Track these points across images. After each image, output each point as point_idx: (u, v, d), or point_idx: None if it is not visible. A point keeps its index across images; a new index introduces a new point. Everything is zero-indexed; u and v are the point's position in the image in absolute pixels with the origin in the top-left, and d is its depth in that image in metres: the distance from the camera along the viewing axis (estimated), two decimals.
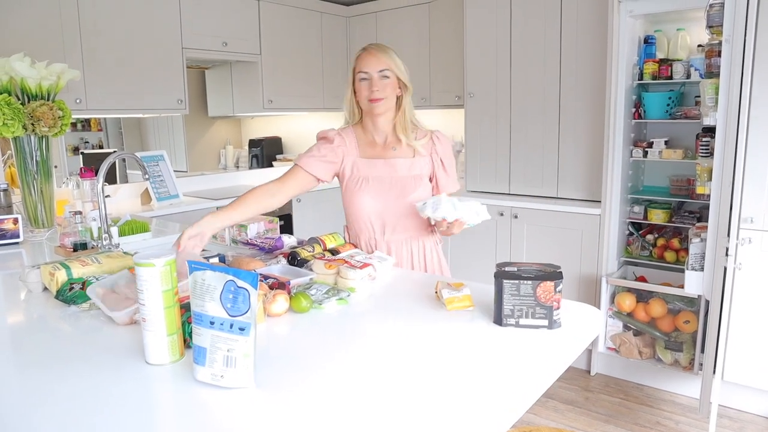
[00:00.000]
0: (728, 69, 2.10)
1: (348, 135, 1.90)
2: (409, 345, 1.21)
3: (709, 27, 2.22)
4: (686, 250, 2.83)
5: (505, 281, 1.28)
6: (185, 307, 1.17)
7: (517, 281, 1.28)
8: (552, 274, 1.30)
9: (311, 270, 1.63)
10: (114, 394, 1.00)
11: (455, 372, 1.07)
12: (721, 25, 2.12)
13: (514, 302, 1.28)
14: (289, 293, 1.41)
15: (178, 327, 1.11)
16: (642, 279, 2.99)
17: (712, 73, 2.23)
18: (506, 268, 1.35)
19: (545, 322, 1.28)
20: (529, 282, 1.27)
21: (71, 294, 1.41)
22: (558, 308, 1.28)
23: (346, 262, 1.61)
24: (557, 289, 1.27)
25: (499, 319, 1.30)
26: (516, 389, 1.02)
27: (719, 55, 2.13)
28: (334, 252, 1.80)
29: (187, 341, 1.16)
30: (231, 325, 0.99)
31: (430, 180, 1.90)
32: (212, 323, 1.00)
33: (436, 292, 1.48)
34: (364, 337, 1.26)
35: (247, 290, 0.98)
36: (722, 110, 2.15)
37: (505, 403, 0.98)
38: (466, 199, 1.73)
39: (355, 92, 1.84)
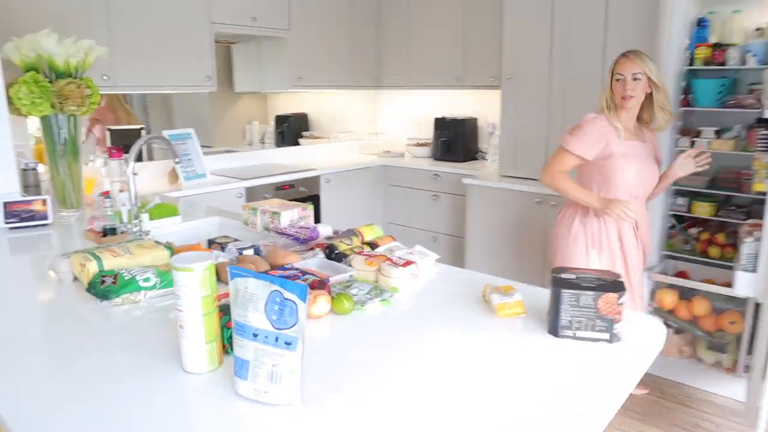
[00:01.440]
0: None
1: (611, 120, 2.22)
2: (460, 356, 1.13)
3: None
4: (732, 245, 2.69)
5: (563, 291, 1.19)
6: (223, 310, 1.11)
7: (577, 291, 1.19)
8: (614, 284, 1.21)
9: (350, 265, 1.55)
10: (148, 403, 0.94)
11: (511, 389, 1.00)
12: None
13: (572, 313, 1.19)
14: (329, 292, 1.34)
15: (217, 334, 1.05)
16: (683, 274, 2.86)
17: None
18: (563, 275, 1.26)
19: (606, 336, 1.19)
20: (591, 293, 1.18)
21: (103, 288, 1.35)
22: (619, 321, 1.19)
23: (388, 258, 1.53)
24: (620, 301, 1.18)
25: (555, 330, 1.21)
26: (582, 412, 0.93)
27: None
28: (372, 245, 1.72)
29: (225, 347, 1.09)
30: (276, 339, 0.92)
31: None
32: (256, 335, 0.93)
33: (484, 296, 1.40)
34: (412, 345, 1.18)
35: (294, 303, 0.90)
36: None
37: (575, 425, 0.90)
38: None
39: (612, 89, 2.21)
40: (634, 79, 2.15)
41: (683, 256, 2.88)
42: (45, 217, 2.17)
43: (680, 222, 2.97)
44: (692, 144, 2.75)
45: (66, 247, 1.95)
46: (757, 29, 2.61)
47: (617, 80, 2.19)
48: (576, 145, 2.19)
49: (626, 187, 2.21)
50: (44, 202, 2.17)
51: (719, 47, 2.62)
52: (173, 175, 3.33)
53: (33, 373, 1.06)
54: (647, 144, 2.28)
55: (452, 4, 3.97)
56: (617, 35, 2.92)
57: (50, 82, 2.25)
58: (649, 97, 2.22)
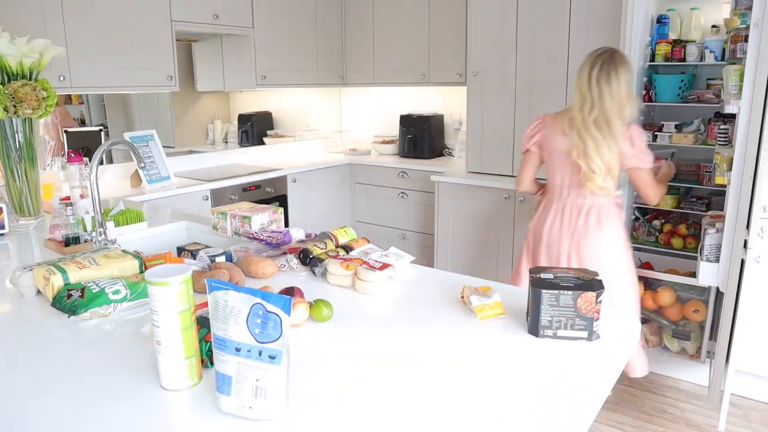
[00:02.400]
0: (756, 55, 2.01)
1: None
2: (443, 358, 1.12)
3: (736, 9, 2.12)
4: (694, 236, 2.78)
5: (543, 291, 1.20)
6: (201, 323, 1.08)
7: (556, 291, 1.19)
8: (592, 283, 1.23)
9: (327, 270, 1.53)
10: (127, 422, 0.91)
11: (495, 390, 1.00)
12: (750, 8, 2.01)
13: (552, 313, 1.20)
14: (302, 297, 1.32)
15: (196, 349, 1.01)
16: (647, 265, 2.93)
17: (735, 58, 2.14)
18: (542, 275, 1.26)
19: (584, 334, 1.20)
20: (570, 293, 1.19)
21: (70, 303, 1.30)
22: (598, 319, 1.20)
23: (365, 262, 1.51)
24: (598, 300, 1.20)
25: (535, 330, 1.22)
26: (566, 409, 0.94)
27: (746, 40, 2.03)
28: (347, 248, 1.70)
29: (204, 362, 1.06)
30: (260, 353, 0.90)
31: None
32: (238, 350, 0.91)
33: (462, 297, 1.40)
34: (394, 350, 1.17)
35: (278, 316, 0.88)
36: (747, 98, 2.06)
37: (560, 423, 0.90)
38: None
39: None
40: None
41: (647, 247, 2.95)
42: (2, 226, 2.07)
43: (644, 214, 3.05)
44: (654, 138, 2.82)
45: (25, 257, 1.87)
46: (714, 26, 2.69)
47: None
48: None
49: None
50: (0, 210, 2.07)
51: (679, 43, 2.70)
52: (136, 178, 3.23)
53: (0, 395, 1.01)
54: None
55: (417, 1, 3.97)
56: (581, 31, 2.97)
57: (2, 84, 2.15)
58: None
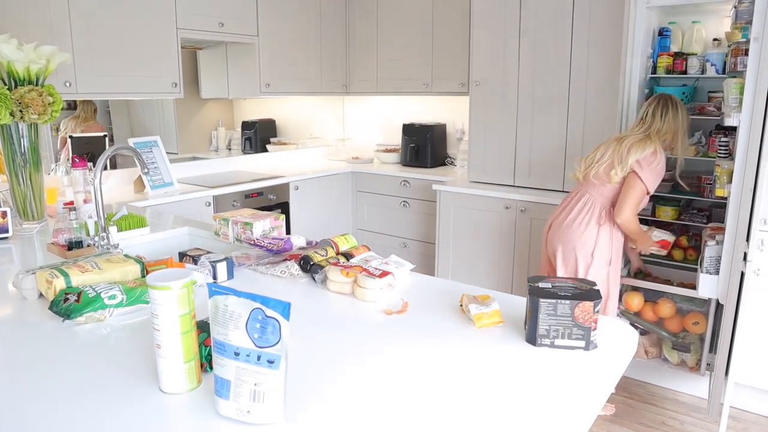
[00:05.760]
0: (756, 69, 2.03)
1: None
2: (441, 366, 1.13)
3: (737, 23, 2.14)
4: (694, 248, 2.78)
5: (541, 300, 1.21)
6: (201, 327, 1.08)
7: (554, 301, 1.20)
8: (590, 293, 1.23)
9: (327, 277, 1.54)
10: (127, 425, 0.91)
11: (492, 398, 1.01)
12: (750, 23, 2.03)
13: (550, 322, 1.21)
14: None
15: (195, 353, 1.02)
16: (648, 276, 2.94)
17: (736, 71, 2.15)
18: (540, 284, 1.27)
19: (582, 344, 1.21)
20: (567, 302, 1.20)
21: (66, 306, 1.30)
22: (595, 329, 1.21)
23: (365, 269, 1.52)
24: (596, 309, 1.20)
25: (533, 339, 1.23)
26: (563, 418, 0.95)
27: (746, 53, 2.05)
28: (347, 255, 1.71)
29: (204, 366, 1.07)
30: (259, 357, 0.90)
31: None
32: (237, 354, 0.91)
33: (461, 305, 1.40)
34: (391, 357, 1.18)
35: (277, 320, 0.89)
36: (747, 111, 2.08)
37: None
38: None
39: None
40: None
41: (648, 258, 2.95)
42: (5, 230, 2.09)
43: (645, 225, 3.05)
44: None
45: (29, 261, 1.89)
46: (715, 40, 2.71)
47: None
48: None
49: None
50: (4, 214, 2.09)
51: (680, 56, 2.71)
52: (139, 184, 3.25)
53: None
54: None
55: (420, 11, 4.00)
56: (584, 42, 2.99)
57: (9, 89, 2.17)
58: None
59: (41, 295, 1.46)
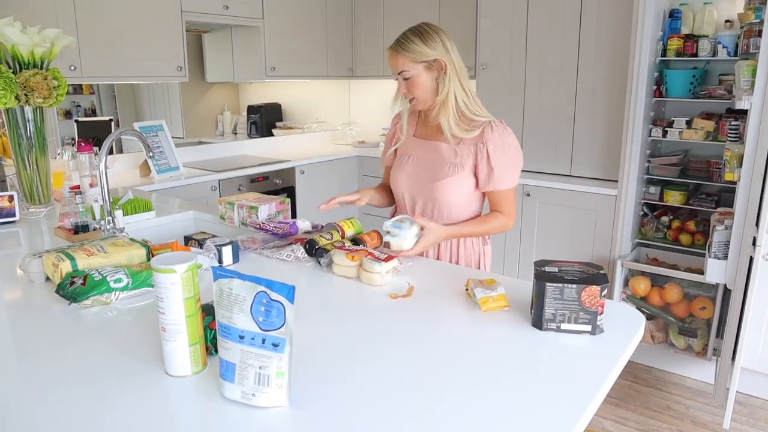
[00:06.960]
0: None
1: (407, 114, 1.83)
2: (446, 351, 1.13)
3: (750, 4, 2.09)
4: (702, 233, 2.76)
5: (547, 284, 1.20)
6: (206, 310, 1.08)
7: (560, 285, 1.19)
8: (597, 277, 1.22)
9: (332, 261, 1.54)
10: (133, 407, 0.92)
11: (499, 382, 1.00)
12: (765, 3, 1.99)
13: (556, 306, 1.20)
14: None
15: (200, 336, 1.02)
16: (654, 261, 2.93)
17: (748, 54, 2.11)
18: (546, 268, 1.26)
19: (588, 328, 1.20)
20: (574, 286, 1.19)
21: (72, 290, 1.31)
22: (602, 313, 1.20)
23: (370, 253, 1.52)
24: (602, 294, 1.20)
25: (539, 323, 1.22)
26: (567, 402, 0.94)
27: (759, 35, 2.01)
28: (355, 241, 1.70)
29: (209, 349, 1.07)
30: (263, 340, 0.90)
31: (476, 174, 1.73)
32: (242, 337, 0.91)
33: (467, 289, 1.40)
34: (397, 341, 1.18)
35: (282, 303, 0.89)
36: (759, 94, 2.04)
37: (562, 415, 0.91)
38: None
39: None
40: (404, 79, 1.68)
41: (656, 243, 2.94)
42: (12, 214, 2.09)
43: (652, 210, 3.04)
44: (664, 134, 2.80)
45: (35, 245, 1.89)
46: (727, 21, 2.66)
47: (396, 79, 1.72)
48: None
49: (398, 196, 1.86)
50: (11, 198, 2.09)
51: (691, 38, 2.67)
52: (145, 168, 3.25)
53: (4, 382, 1.03)
54: (459, 147, 1.74)
55: None
56: (592, 25, 2.95)
57: (14, 72, 2.16)
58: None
59: (48, 278, 1.47)
